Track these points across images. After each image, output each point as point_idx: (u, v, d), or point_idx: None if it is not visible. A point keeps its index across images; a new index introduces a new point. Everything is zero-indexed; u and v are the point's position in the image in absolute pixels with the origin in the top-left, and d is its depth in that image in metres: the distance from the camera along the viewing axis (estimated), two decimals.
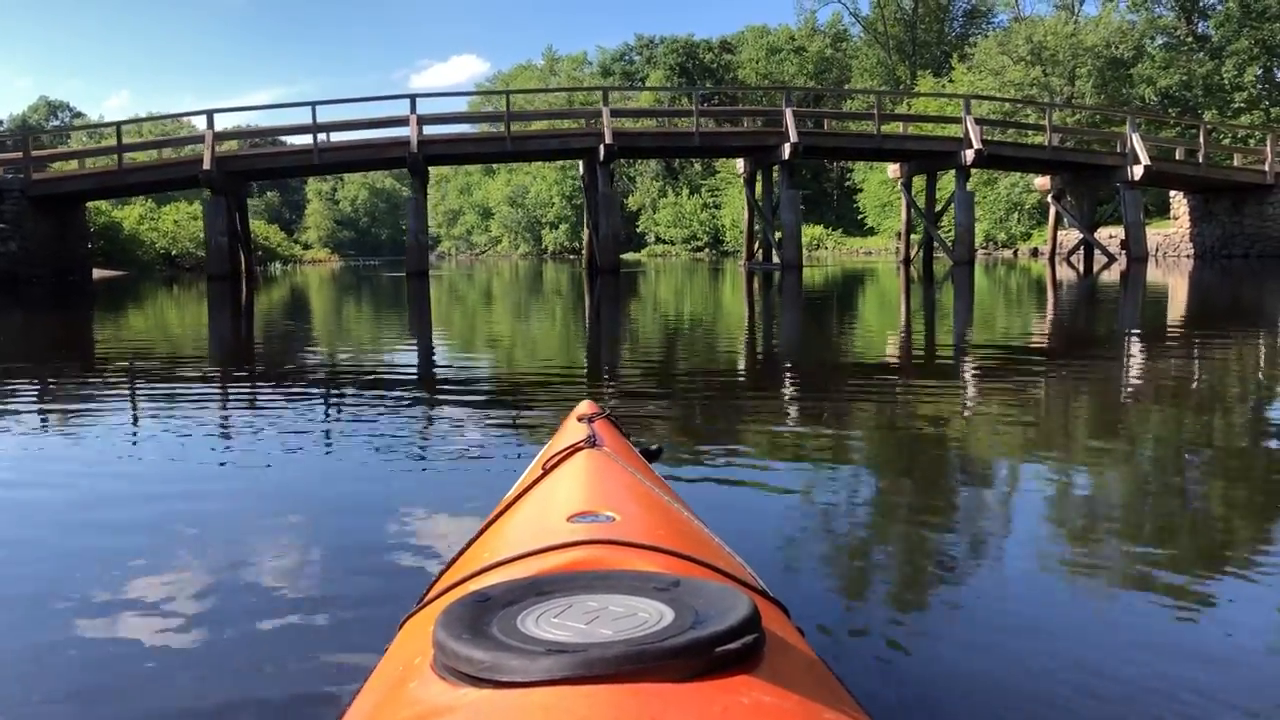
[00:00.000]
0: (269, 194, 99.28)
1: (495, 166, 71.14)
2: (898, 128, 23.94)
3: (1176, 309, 10.55)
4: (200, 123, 19.04)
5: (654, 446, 1.91)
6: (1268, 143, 24.13)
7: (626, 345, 7.52)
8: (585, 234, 22.64)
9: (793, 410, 4.40)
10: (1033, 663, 1.59)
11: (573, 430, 1.58)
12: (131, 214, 29.72)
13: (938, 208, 23.98)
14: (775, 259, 21.25)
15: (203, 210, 19.55)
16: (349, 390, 5.11)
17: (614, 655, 0.66)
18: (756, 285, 16.72)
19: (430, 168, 20.03)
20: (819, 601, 1.86)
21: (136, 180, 19.70)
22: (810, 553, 2.22)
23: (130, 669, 1.61)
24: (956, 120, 21.88)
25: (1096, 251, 24.36)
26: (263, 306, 13.64)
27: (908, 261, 23.80)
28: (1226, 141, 27.92)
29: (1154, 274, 18.07)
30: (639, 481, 1.27)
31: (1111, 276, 17.36)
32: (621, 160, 60.05)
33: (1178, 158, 24.22)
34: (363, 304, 14.45)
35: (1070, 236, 25.99)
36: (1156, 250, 26.61)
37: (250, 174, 20.30)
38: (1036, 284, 16.06)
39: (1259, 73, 32.94)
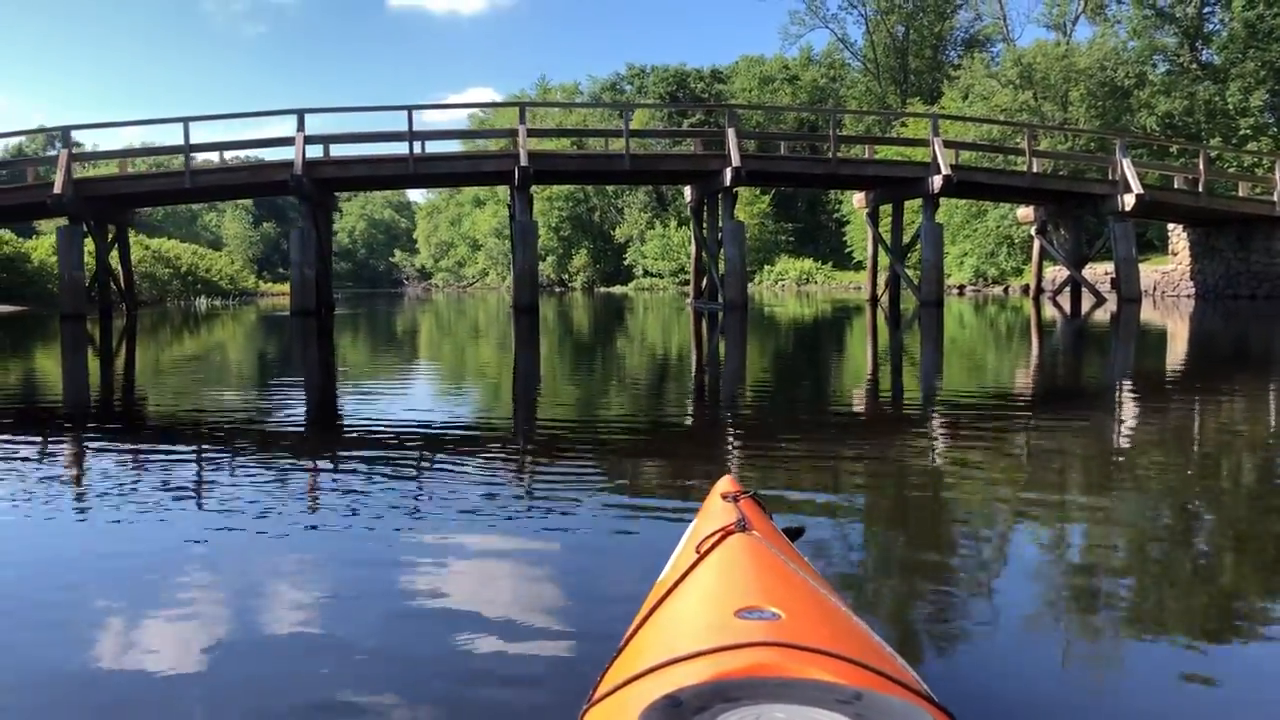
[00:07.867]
0: (265, 225, 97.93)
1: (482, 197, 69.07)
2: (861, 151, 21.51)
3: (1164, 363, 8.91)
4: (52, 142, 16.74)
5: (795, 526, 1.91)
6: (1276, 171, 21.56)
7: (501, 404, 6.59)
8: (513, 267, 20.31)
9: None
10: None
11: (718, 510, 1.59)
12: (43, 244, 27.55)
13: (907, 240, 21.52)
14: (721, 298, 18.79)
15: (56, 240, 17.24)
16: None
17: None
18: (704, 328, 14.88)
19: (338, 193, 17.76)
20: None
21: None
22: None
23: None
24: (925, 144, 19.51)
25: (1085, 290, 21.78)
26: (102, 357, 11.28)
27: (875, 300, 21.32)
28: (1232, 170, 25.39)
29: (1149, 315, 16.19)
30: (794, 572, 1.31)
31: (1102, 319, 15.19)
32: (609, 190, 58.82)
33: (1176, 186, 21.78)
34: (228, 348, 12.42)
35: (1061, 273, 23.47)
36: (1154, 289, 24.10)
37: (119, 199, 17.94)
38: (1017, 328, 14.34)
39: (1266, 97, 30.48)
